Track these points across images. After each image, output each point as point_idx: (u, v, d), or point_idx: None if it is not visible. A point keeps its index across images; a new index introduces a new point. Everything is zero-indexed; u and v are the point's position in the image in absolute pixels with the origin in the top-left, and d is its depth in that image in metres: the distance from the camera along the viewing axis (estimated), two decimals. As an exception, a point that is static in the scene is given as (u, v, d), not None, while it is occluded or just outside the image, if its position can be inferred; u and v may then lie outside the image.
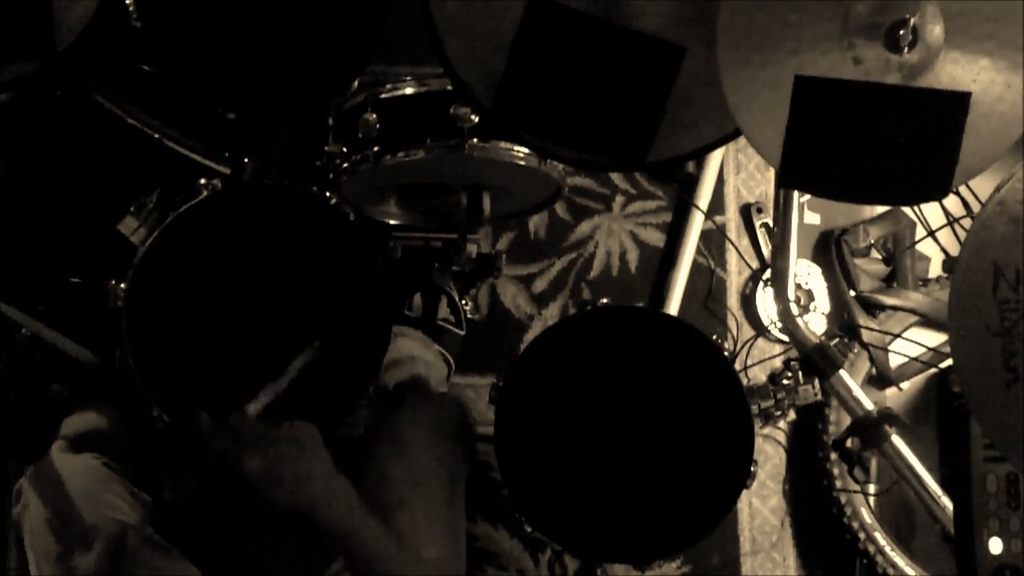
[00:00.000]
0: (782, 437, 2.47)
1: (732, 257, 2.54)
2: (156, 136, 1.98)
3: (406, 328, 2.12)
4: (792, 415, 2.45)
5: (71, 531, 1.61)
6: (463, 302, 2.25)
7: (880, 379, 2.34)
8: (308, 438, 1.59)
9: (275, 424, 1.56)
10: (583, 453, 1.71)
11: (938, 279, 2.46)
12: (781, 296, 2.14)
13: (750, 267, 2.54)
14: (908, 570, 2.28)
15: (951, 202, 1.87)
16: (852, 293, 2.42)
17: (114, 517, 1.62)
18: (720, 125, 1.49)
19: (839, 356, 2.11)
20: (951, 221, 1.98)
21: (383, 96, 1.87)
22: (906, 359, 2.30)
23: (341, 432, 1.83)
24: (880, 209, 2.52)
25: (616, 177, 2.54)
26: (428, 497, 1.76)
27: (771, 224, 2.50)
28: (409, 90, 1.87)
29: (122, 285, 1.65)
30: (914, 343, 2.27)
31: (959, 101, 1.33)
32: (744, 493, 1.74)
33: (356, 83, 1.86)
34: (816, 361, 2.10)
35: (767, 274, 2.44)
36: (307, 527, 1.57)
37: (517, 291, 2.47)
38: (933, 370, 2.30)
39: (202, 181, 1.73)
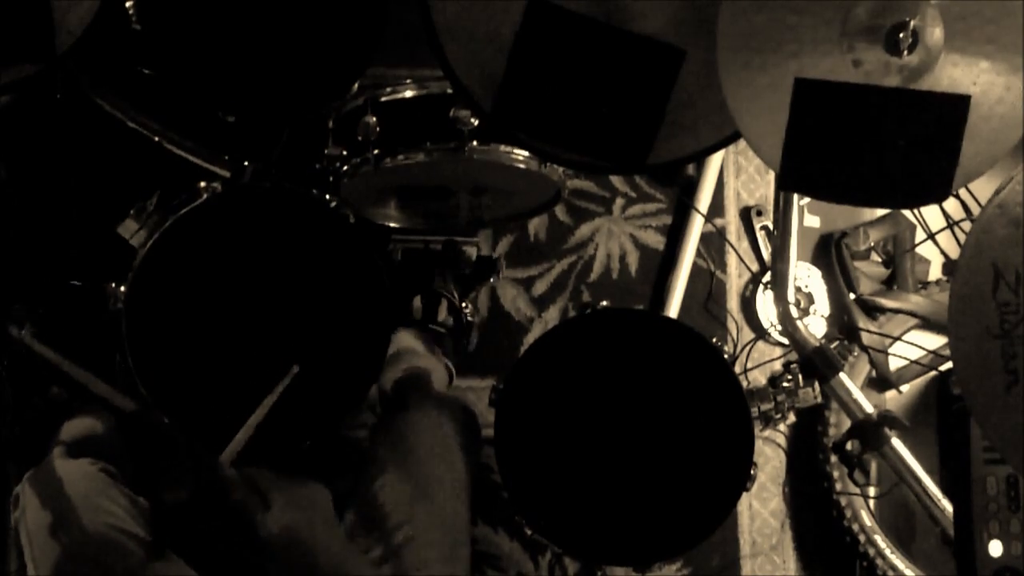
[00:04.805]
0: (782, 440, 2.47)
1: (732, 260, 2.54)
2: (156, 139, 1.98)
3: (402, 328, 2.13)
4: (792, 418, 2.45)
5: (69, 536, 1.60)
6: (463, 305, 2.25)
7: (880, 382, 2.34)
8: (321, 503, 1.55)
9: (291, 478, 1.53)
10: (583, 456, 1.71)
11: (938, 282, 2.46)
12: (781, 299, 2.14)
13: (750, 270, 2.54)
14: (908, 573, 2.27)
15: (951, 205, 1.88)
16: (852, 296, 2.42)
17: (111, 523, 1.62)
18: (720, 128, 1.49)
19: (839, 359, 2.11)
20: (951, 224, 1.98)
21: (383, 99, 1.87)
22: (906, 362, 2.29)
23: (343, 435, 1.83)
24: (880, 212, 2.52)
25: (616, 180, 2.54)
26: (432, 504, 1.76)
27: (771, 227, 2.50)
28: (409, 93, 1.87)
29: (122, 288, 1.66)
30: (914, 346, 2.27)
31: (959, 104, 1.33)
32: (744, 495, 1.74)
33: (356, 86, 1.86)
34: (816, 364, 2.10)
35: (767, 277, 2.44)
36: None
37: (517, 294, 2.46)
38: (933, 373, 2.30)
39: (202, 184, 1.74)
